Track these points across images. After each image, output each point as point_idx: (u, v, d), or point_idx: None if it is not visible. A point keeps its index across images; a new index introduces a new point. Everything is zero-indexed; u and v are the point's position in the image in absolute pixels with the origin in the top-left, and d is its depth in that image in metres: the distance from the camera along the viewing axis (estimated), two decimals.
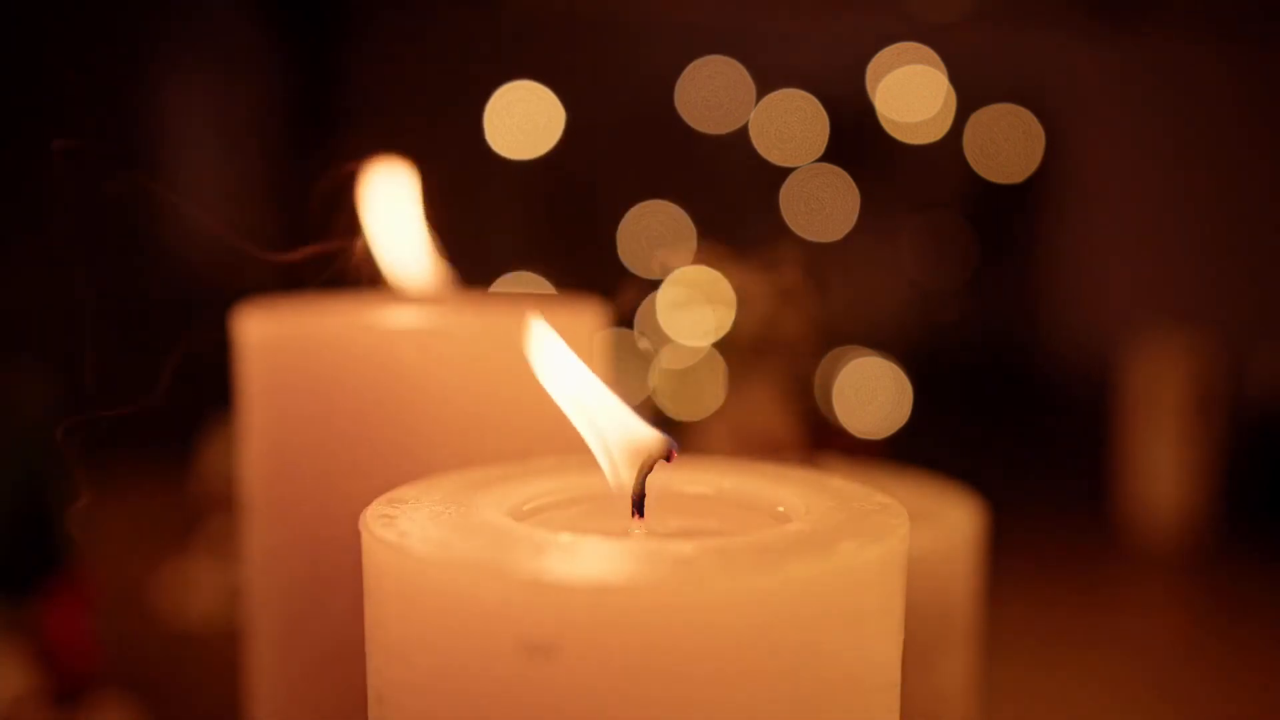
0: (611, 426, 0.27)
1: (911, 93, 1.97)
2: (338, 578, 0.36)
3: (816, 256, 2.04)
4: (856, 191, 2.00)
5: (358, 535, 0.25)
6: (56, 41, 1.62)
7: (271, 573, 0.40)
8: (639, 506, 0.27)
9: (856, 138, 2.00)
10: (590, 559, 0.23)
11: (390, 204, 0.43)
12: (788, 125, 1.99)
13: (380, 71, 2.02)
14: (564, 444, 0.39)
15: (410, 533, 0.24)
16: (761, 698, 0.22)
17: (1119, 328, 1.64)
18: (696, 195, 1.98)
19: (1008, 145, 2.04)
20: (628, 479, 0.27)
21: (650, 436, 0.27)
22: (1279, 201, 1.89)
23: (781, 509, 0.28)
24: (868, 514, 0.26)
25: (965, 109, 2.01)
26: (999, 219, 2.14)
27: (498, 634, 0.22)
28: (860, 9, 1.96)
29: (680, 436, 0.28)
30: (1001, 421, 1.79)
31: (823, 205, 2.01)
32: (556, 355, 0.28)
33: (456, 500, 0.27)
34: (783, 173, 2.01)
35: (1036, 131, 2.04)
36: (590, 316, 0.42)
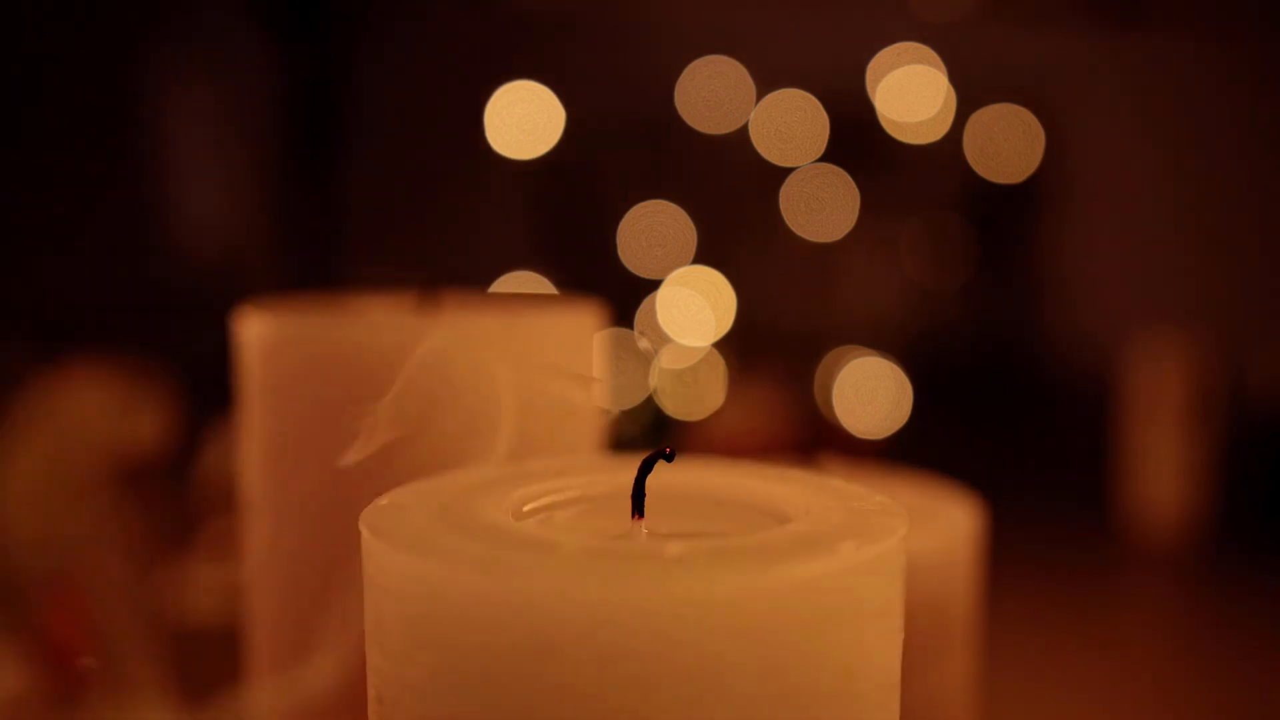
0: None
1: (911, 93, 1.97)
2: (338, 578, 0.36)
3: (816, 256, 2.05)
4: (856, 191, 2.00)
5: (358, 535, 0.25)
6: (56, 43, 1.62)
7: (271, 573, 0.40)
8: (639, 506, 0.27)
9: (856, 138, 2.00)
10: (590, 559, 0.23)
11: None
12: (788, 125, 1.99)
13: (380, 71, 2.02)
14: (564, 444, 0.39)
15: (410, 533, 0.24)
16: (762, 697, 0.22)
17: (1119, 328, 1.64)
18: (696, 195, 1.98)
19: (1008, 145, 2.04)
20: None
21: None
22: (1278, 202, 1.89)
23: (781, 509, 0.28)
24: (868, 514, 0.26)
25: (965, 109, 2.00)
26: (999, 219, 2.14)
27: (498, 634, 0.22)
28: (860, 9, 1.96)
29: (680, 436, 0.28)
30: (1001, 422, 1.79)
31: (823, 205, 2.00)
32: None
33: (456, 500, 0.27)
34: (783, 173, 2.01)
35: (1036, 131, 2.04)
36: (590, 316, 0.42)
